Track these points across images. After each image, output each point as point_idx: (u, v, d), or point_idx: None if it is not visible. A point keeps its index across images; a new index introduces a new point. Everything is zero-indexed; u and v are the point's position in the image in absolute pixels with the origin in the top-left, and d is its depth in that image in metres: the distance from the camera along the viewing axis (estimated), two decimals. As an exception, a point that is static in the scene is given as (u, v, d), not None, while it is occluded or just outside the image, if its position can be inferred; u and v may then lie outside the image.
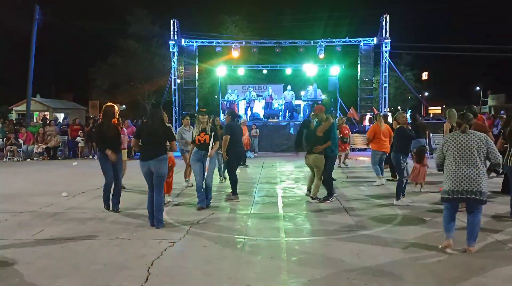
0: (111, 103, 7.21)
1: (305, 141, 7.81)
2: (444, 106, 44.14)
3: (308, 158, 7.76)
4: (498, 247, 5.02)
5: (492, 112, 33.95)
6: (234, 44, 21.34)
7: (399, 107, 23.68)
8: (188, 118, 10.20)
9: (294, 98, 20.80)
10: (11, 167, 13.95)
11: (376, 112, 18.35)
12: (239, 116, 8.73)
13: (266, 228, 5.97)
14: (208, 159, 6.99)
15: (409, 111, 24.57)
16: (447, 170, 4.83)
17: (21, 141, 16.70)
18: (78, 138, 16.95)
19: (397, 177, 9.61)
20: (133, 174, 9.06)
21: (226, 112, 9.14)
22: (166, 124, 6.58)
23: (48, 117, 26.68)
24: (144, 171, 5.99)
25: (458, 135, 4.81)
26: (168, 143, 6.15)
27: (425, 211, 6.89)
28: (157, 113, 6.12)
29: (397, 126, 7.92)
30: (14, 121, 23.67)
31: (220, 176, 10.06)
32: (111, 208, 6.93)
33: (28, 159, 16.12)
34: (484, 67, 45.93)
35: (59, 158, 16.61)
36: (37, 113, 29.51)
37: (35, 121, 23.89)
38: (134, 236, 5.57)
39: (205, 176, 7.00)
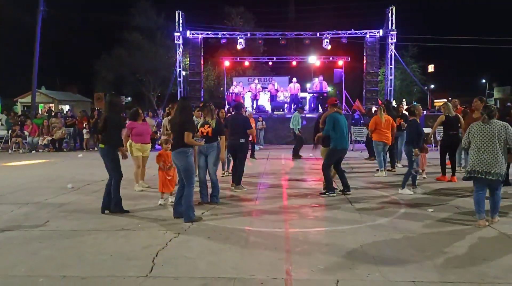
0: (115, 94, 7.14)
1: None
2: (450, 98, 43.81)
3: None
4: (500, 238, 5.02)
5: (498, 105, 33.72)
6: (240, 36, 21.27)
7: (403, 100, 23.56)
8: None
9: (300, 90, 20.72)
10: (16, 159, 14.05)
11: (380, 103, 18.28)
12: (241, 107, 8.57)
13: (270, 219, 6.00)
14: (211, 153, 6.91)
15: (415, 103, 24.45)
16: (471, 154, 5.58)
17: (26, 133, 16.80)
18: (84, 130, 17.03)
19: (395, 168, 9.72)
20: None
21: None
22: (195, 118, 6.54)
23: (53, 109, 26.80)
24: (175, 164, 6.08)
25: (481, 124, 5.52)
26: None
27: (428, 203, 6.90)
28: (180, 104, 6.10)
29: (412, 118, 7.86)
30: (19, 113, 23.77)
31: (223, 169, 9.76)
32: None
33: (34, 151, 16.22)
34: (490, 60, 45.59)
35: (65, 150, 16.71)
36: (42, 105, 29.64)
37: (40, 113, 24.00)
38: (139, 227, 5.62)
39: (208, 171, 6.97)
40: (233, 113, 8.28)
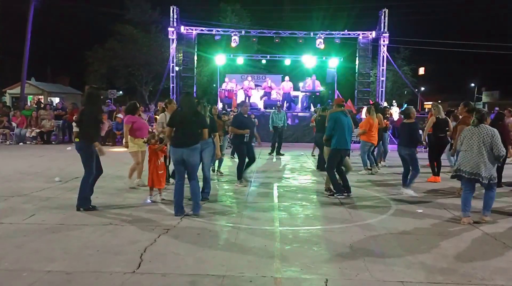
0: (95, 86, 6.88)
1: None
2: (439, 101, 44.21)
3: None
4: (487, 240, 5.06)
5: (486, 108, 34.08)
6: (234, 33, 21.18)
7: (394, 101, 23.66)
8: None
9: (292, 89, 20.72)
10: (3, 151, 13.85)
11: (372, 102, 18.34)
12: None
13: (261, 217, 5.97)
14: (206, 150, 6.78)
15: (405, 104, 24.60)
16: (460, 155, 5.86)
17: (14, 124, 16.55)
18: (73, 123, 16.81)
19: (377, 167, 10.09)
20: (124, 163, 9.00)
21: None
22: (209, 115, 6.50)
23: (42, 101, 26.47)
24: (175, 158, 5.85)
25: (472, 127, 5.80)
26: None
27: (417, 203, 6.93)
28: (190, 100, 6.02)
29: (411, 121, 7.84)
30: (7, 104, 23.44)
31: (214, 170, 9.43)
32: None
33: (21, 143, 16.00)
34: (479, 64, 46.07)
35: (53, 142, 16.50)
36: (31, 96, 29.23)
37: (29, 104, 23.68)
38: (128, 222, 5.56)
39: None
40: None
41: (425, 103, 33.98)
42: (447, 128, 9.01)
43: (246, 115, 8.68)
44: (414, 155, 7.67)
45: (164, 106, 8.52)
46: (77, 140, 6.18)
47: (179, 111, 6.09)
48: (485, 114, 5.85)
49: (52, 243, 4.68)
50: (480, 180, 5.57)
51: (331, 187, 7.44)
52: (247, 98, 20.11)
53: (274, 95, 20.67)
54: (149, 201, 6.68)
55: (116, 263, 4.13)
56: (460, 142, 5.91)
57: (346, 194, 7.33)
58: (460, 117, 8.52)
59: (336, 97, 22.01)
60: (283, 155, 13.43)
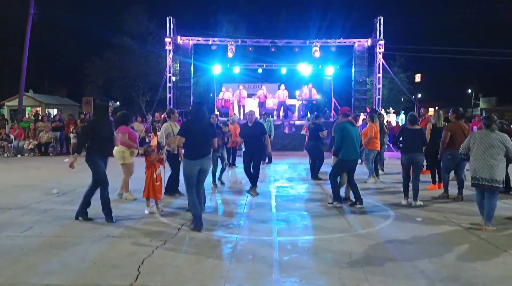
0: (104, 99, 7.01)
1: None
2: (436, 108, 44.36)
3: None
4: (488, 248, 5.04)
5: (484, 115, 34.22)
6: (230, 42, 21.28)
7: (391, 108, 23.75)
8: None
9: (287, 97, 20.77)
10: (1, 163, 13.80)
11: (369, 110, 18.39)
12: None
13: (259, 227, 5.94)
14: None
15: (402, 112, 24.71)
16: (475, 161, 5.78)
17: (12, 136, 16.52)
18: (70, 134, 16.80)
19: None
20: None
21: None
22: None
23: (40, 113, 26.43)
24: (190, 170, 5.73)
25: (483, 132, 5.85)
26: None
27: (417, 211, 6.91)
28: (203, 110, 6.00)
29: (418, 128, 7.79)
30: (5, 117, 23.39)
31: (214, 181, 9.22)
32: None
33: (19, 155, 15.95)
34: (475, 71, 46.28)
35: (51, 154, 16.46)
36: (29, 108, 29.20)
37: (27, 116, 23.64)
38: (125, 234, 5.53)
39: None
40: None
41: (428, 109, 34.13)
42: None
43: (250, 124, 8.66)
44: (420, 162, 7.61)
45: (166, 116, 8.48)
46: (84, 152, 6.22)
47: (192, 121, 6.00)
48: (494, 118, 5.93)
49: (49, 256, 4.64)
50: (498, 185, 5.65)
51: (350, 196, 7.41)
52: (241, 107, 20.16)
53: (270, 104, 20.71)
54: (146, 212, 6.64)
55: (113, 276, 4.09)
56: (468, 147, 5.94)
57: (359, 205, 7.13)
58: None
59: (332, 105, 22.15)
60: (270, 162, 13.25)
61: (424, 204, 7.42)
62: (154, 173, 6.69)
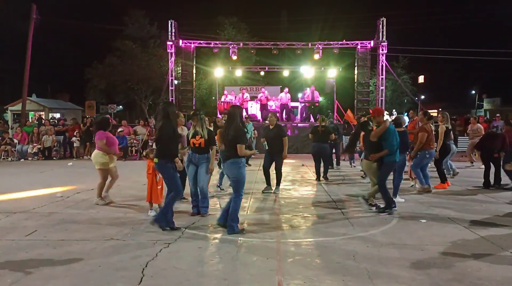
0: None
1: (363, 144, 7.58)
2: (440, 109, 44.29)
3: (361, 163, 7.66)
4: (493, 249, 5.01)
5: (488, 116, 34.10)
6: (232, 45, 21.33)
7: (393, 110, 23.77)
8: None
9: (290, 100, 20.78)
10: (5, 167, 13.85)
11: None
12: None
13: (262, 230, 5.93)
14: (203, 164, 6.64)
15: (405, 113, 24.66)
16: None
17: (16, 140, 16.59)
18: (74, 138, 16.87)
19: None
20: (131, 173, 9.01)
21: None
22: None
23: (43, 117, 26.56)
24: (225, 173, 5.99)
25: None
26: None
27: (420, 213, 6.89)
28: (232, 114, 5.89)
29: (401, 129, 7.80)
30: (13, 122, 23.54)
31: (219, 185, 9.05)
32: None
33: (23, 159, 16.02)
34: (479, 71, 46.21)
35: (54, 158, 16.52)
36: (32, 113, 29.35)
37: (30, 120, 23.77)
38: (129, 237, 5.53)
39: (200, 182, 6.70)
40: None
41: (432, 111, 34.06)
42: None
43: (271, 127, 9.03)
44: (405, 162, 7.88)
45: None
46: (156, 160, 5.93)
47: (225, 125, 6.03)
48: None
49: (53, 260, 4.65)
50: None
51: (375, 201, 7.18)
52: (244, 110, 20.17)
53: (272, 106, 20.72)
54: (149, 215, 6.62)
55: (117, 279, 4.10)
56: None
57: (394, 208, 6.95)
58: (420, 124, 9.20)
59: (335, 107, 22.14)
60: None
61: (428, 206, 7.38)
62: (156, 177, 6.68)
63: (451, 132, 9.85)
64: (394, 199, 7.27)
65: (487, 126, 14.75)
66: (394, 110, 23.44)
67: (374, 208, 7.03)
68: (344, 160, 13.93)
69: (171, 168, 5.88)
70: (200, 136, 6.61)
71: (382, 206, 6.98)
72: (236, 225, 5.71)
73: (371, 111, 11.90)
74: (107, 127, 7.84)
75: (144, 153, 7.13)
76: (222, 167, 7.20)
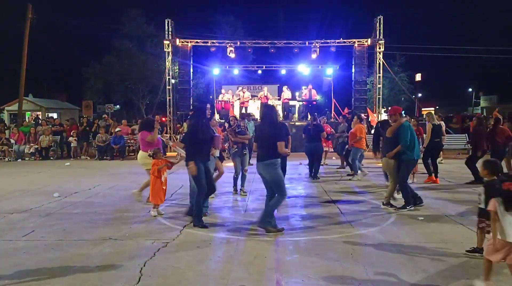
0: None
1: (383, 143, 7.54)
2: (437, 107, 44.37)
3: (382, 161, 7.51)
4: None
5: (485, 113, 34.20)
6: (229, 44, 21.30)
7: (389, 108, 23.80)
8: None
9: (290, 97, 20.80)
10: (2, 168, 13.81)
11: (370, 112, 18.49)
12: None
13: (261, 228, 5.92)
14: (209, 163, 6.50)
15: (403, 111, 24.68)
16: None
17: (12, 141, 16.54)
18: (71, 138, 16.82)
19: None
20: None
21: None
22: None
23: (40, 117, 26.48)
24: (259, 172, 5.81)
25: None
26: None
27: (418, 210, 6.90)
28: (267, 114, 5.79)
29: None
30: (9, 122, 23.45)
31: (237, 188, 8.68)
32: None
33: (20, 160, 15.97)
34: (476, 69, 46.25)
35: (51, 158, 16.47)
36: (29, 113, 29.27)
37: (27, 120, 23.69)
38: (127, 236, 5.52)
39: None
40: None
41: (422, 109, 34.06)
42: (441, 132, 10.09)
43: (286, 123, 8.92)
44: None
45: (190, 118, 8.37)
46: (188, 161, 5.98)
47: (260, 124, 5.90)
48: None
49: (51, 260, 4.64)
50: None
51: (392, 200, 7.17)
52: (243, 109, 20.16)
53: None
54: (152, 214, 6.57)
55: (116, 279, 4.09)
56: None
57: (419, 204, 7.04)
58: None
59: (333, 105, 22.17)
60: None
61: (426, 203, 7.38)
62: (162, 177, 6.66)
63: (442, 129, 10.27)
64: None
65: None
66: (389, 108, 23.45)
67: (391, 207, 7.04)
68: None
69: (200, 167, 5.93)
70: None
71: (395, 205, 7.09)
72: (273, 219, 5.67)
73: (368, 110, 12.06)
74: (151, 127, 7.76)
75: (150, 152, 7.03)
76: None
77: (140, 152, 7.67)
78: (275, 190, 5.72)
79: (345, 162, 12.57)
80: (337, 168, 12.63)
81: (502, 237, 3.65)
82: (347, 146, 11.34)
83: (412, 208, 6.90)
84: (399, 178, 6.99)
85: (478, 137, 9.68)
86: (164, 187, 6.71)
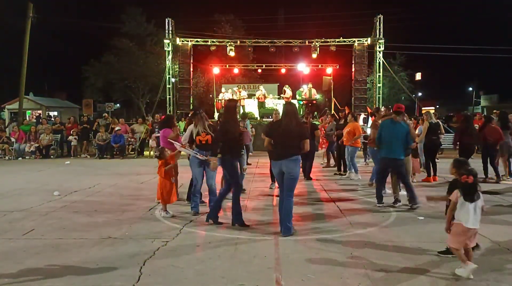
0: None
1: None
2: (437, 106, 44.37)
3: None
4: (492, 247, 5.03)
5: (485, 112, 34.16)
6: (229, 43, 21.31)
7: (389, 106, 23.79)
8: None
9: (291, 97, 20.78)
10: (2, 166, 13.82)
11: (370, 110, 18.41)
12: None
13: (260, 227, 5.94)
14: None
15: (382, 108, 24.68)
16: None
17: (13, 139, 16.55)
18: (71, 137, 16.83)
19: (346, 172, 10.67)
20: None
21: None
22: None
23: (41, 115, 26.50)
24: (276, 171, 5.70)
25: None
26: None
27: (418, 210, 6.90)
28: (292, 111, 5.76)
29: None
30: (10, 121, 23.46)
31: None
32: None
33: (20, 158, 15.98)
34: (477, 68, 46.34)
35: (52, 157, 16.48)
36: (29, 111, 29.29)
37: (28, 119, 23.71)
38: (127, 235, 5.53)
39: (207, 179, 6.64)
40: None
41: (422, 108, 34.07)
42: (439, 131, 10.04)
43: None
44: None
45: (188, 120, 8.35)
46: (219, 155, 6.01)
47: (280, 121, 5.84)
48: None
49: (51, 258, 4.65)
50: None
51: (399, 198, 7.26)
52: (240, 108, 20.14)
53: (269, 104, 20.71)
54: (163, 215, 6.50)
55: (115, 278, 4.10)
56: None
57: (379, 204, 7.21)
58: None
59: (333, 104, 22.18)
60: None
61: (425, 202, 7.38)
62: (171, 179, 6.60)
63: (440, 127, 10.23)
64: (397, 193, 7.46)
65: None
66: (389, 107, 23.41)
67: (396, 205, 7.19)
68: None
69: (235, 164, 6.01)
70: (205, 133, 6.57)
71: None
72: (292, 226, 5.58)
73: (369, 110, 12.08)
74: (172, 124, 7.83)
75: (156, 153, 6.93)
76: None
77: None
78: (288, 189, 5.60)
79: (331, 160, 12.68)
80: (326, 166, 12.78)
81: (466, 224, 4.09)
82: (335, 145, 11.61)
83: (417, 206, 6.97)
84: (405, 175, 7.23)
85: (456, 133, 10.09)
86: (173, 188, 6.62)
